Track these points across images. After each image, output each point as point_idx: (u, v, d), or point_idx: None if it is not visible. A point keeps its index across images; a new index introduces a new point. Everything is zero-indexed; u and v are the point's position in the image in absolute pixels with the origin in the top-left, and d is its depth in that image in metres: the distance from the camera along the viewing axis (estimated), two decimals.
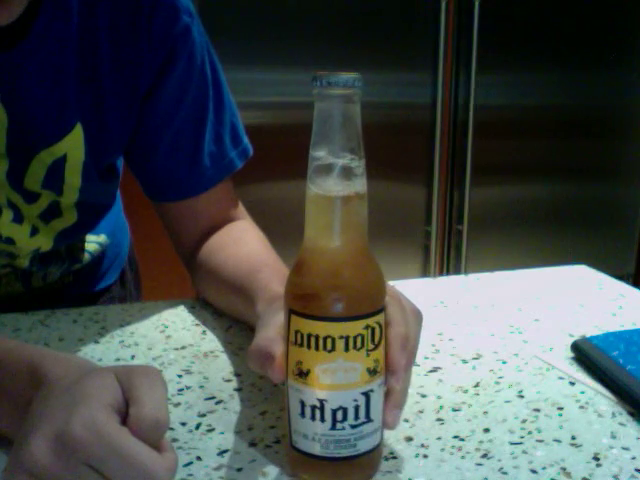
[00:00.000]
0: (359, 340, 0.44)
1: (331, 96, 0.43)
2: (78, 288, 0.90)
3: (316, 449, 0.45)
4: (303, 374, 0.44)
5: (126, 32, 0.67)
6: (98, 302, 0.92)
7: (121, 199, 0.95)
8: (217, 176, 0.78)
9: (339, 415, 0.44)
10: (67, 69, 0.66)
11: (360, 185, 0.44)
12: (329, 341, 0.43)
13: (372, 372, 0.45)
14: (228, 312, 0.74)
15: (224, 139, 0.78)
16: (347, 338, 0.43)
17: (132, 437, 0.38)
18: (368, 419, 0.45)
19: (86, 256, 0.86)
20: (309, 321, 0.44)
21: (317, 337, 0.43)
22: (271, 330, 0.49)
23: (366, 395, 0.45)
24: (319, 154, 0.43)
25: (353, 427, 0.45)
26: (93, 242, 0.87)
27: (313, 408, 0.44)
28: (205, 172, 0.77)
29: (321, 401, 0.44)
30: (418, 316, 0.52)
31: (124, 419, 0.39)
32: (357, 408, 0.44)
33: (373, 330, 0.44)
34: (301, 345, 0.44)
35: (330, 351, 0.43)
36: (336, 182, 0.44)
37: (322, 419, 0.44)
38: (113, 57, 0.67)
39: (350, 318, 0.44)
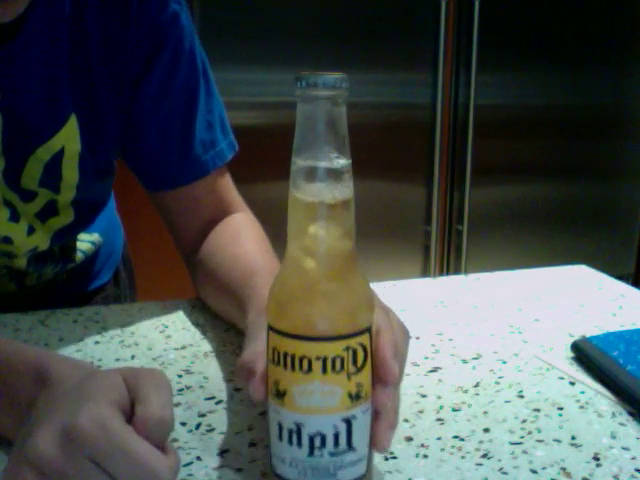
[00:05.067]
0: (338, 362, 0.40)
1: (315, 98, 0.40)
2: (72, 287, 0.90)
3: (294, 476, 0.42)
4: (280, 395, 0.42)
5: (115, 20, 0.67)
6: (92, 301, 0.92)
7: (115, 198, 0.95)
8: (210, 164, 0.77)
9: (317, 441, 0.41)
10: (60, 61, 0.66)
11: (346, 192, 0.41)
12: (305, 362, 0.40)
13: (354, 397, 0.41)
14: (223, 316, 0.73)
15: (215, 128, 0.77)
16: (324, 359, 0.40)
17: (137, 435, 0.38)
18: (350, 448, 0.42)
19: (79, 255, 0.86)
20: (285, 339, 0.41)
21: (293, 357, 0.40)
22: (258, 344, 0.47)
23: (347, 422, 0.41)
24: (302, 159, 0.41)
25: (332, 455, 0.41)
26: (86, 241, 0.87)
27: (290, 432, 0.42)
28: (197, 159, 0.76)
29: (298, 425, 0.41)
30: (406, 333, 0.50)
31: (129, 419, 0.39)
32: (337, 435, 0.41)
33: (355, 352, 0.41)
34: (278, 364, 0.41)
35: (306, 372, 0.40)
36: (319, 188, 0.41)
37: (299, 444, 0.41)
38: (103, 45, 0.68)
39: (328, 338, 0.40)
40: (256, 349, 0.47)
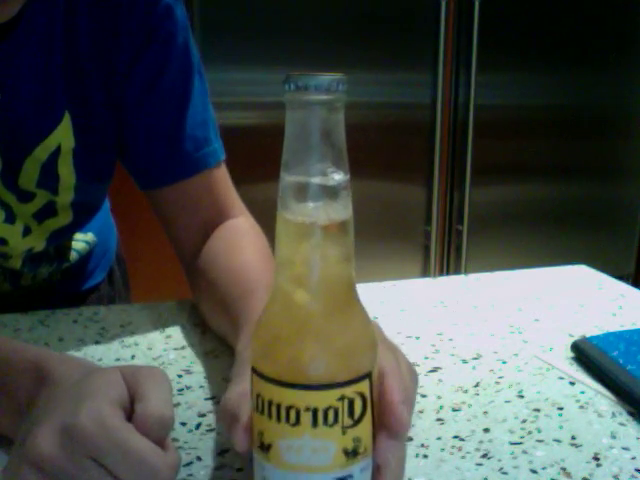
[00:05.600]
0: (331, 414, 0.35)
1: (306, 103, 0.34)
2: (66, 286, 0.90)
3: None
4: (265, 448, 0.36)
5: (107, 16, 0.67)
6: (87, 300, 0.92)
7: (109, 199, 0.95)
8: (201, 162, 0.74)
9: None
10: (54, 59, 0.66)
11: (343, 212, 0.35)
12: (292, 413, 0.35)
13: (351, 454, 0.36)
14: (218, 335, 0.69)
15: (209, 126, 0.75)
16: (315, 411, 0.34)
17: (137, 433, 0.38)
18: None
19: (74, 255, 0.86)
20: (270, 385, 0.35)
21: (279, 406, 0.35)
22: (244, 383, 0.41)
23: None
24: (292, 175, 0.35)
25: None
26: (81, 241, 0.87)
27: None
28: (187, 156, 0.74)
29: None
30: (414, 375, 0.45)
31: (129, 416, 0.39)
32: None
33: (351, 402, 0.35)
34: (262, 413, 0.36)
35: (294, 425, 0.35)
36: (312, 208, 0.35)
37: None
38: (94, 40, 0.67)
39: (319, 386, 0.35)
40: (241, 390, 0.42)
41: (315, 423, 0.35)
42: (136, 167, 0.77)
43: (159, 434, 0.39)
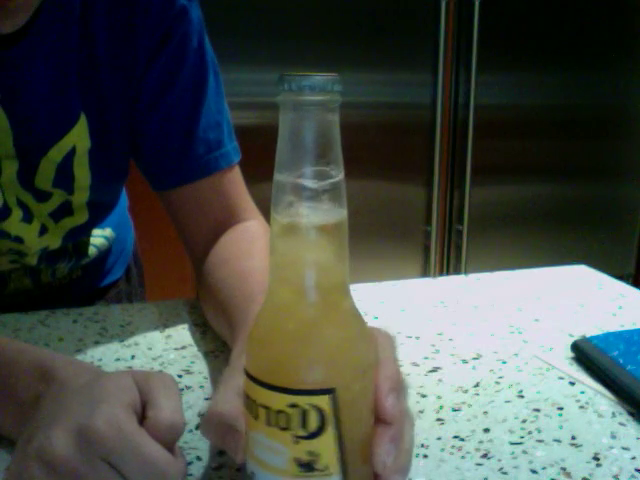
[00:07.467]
0: (282, 419, 0.34)
1: (301, 104, 0.33)
2: (86, 283, 0.90)
3: None
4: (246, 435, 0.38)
5: (122, 16, 0.67)
6: (106, 296, 0.93)
7: (127, 197, 0.96)
8: (212, 165, 0.74)
9: None
10: (69, 60, 0.66)
11: (337, 213, 0.35)
12: (253, 405, 0.36)
13: (305, 467, 0.35)
14: (220, 336, 0.69)
15: (223, 129, 0.76)
16: (268, 410, 0.35)
17: (150, 438, 0.38)
18: None
19: (93, 250, 0.86)
20: (245, 376, 0.37)
21: (247, 397, 0.36)
22: (234, 390, 0.41)
23: None
24: (285, 176, 0.34)
25: None
26: (99, 236, 0.87)
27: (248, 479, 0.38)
28: (199, 158, 0.74)
29: (251, 476, 0.37)
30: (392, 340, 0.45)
31: (140, 422, 0.40)
32: None
33: (305, 413, 0.34)
34: (244, 403, 0.38)
35: (255, 417, 0.36)
36: (306, 210, 0.34)
37: None
38: (110, 41, 0.67)
39: (269, 386, 0.35)
40: (230, 398, 0.42)
41: (268, 422, 0.35)
42: (147, 168, 0.77)
43: (170, 440, 0.40)
